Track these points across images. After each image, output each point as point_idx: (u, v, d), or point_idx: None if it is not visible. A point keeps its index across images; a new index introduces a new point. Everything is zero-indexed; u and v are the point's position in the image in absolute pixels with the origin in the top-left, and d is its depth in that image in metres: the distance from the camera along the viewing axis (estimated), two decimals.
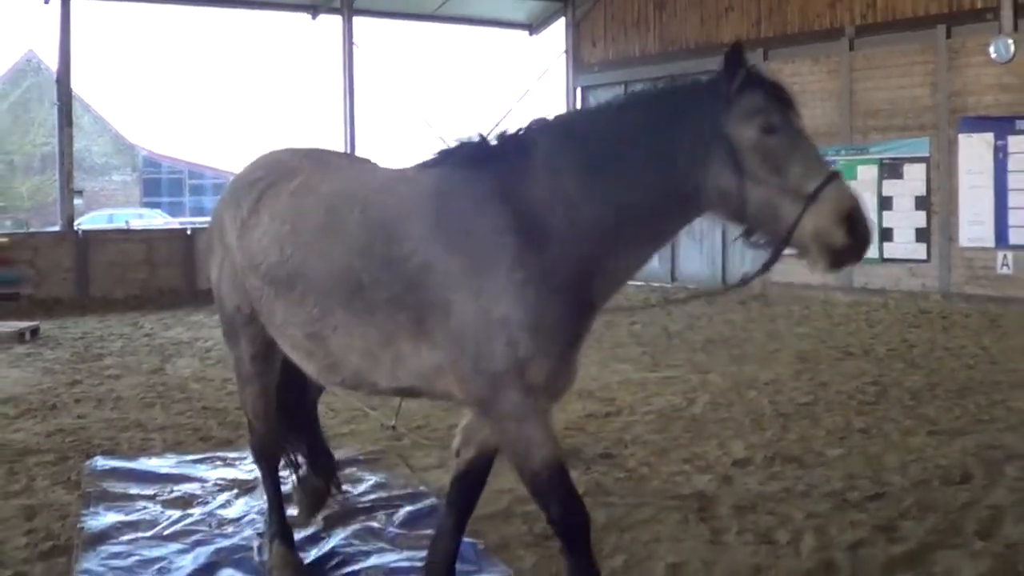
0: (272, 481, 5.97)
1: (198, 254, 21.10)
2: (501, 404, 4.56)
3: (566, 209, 4.54)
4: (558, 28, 27.26)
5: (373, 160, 5.84)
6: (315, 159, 5.65)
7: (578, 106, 26.70)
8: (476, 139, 4.90)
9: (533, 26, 27.69)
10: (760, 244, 4.47)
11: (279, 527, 5.85)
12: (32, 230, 29.40)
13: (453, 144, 4.97)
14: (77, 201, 22.46)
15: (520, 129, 4.86)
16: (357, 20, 24.85)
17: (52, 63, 24.51)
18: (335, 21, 24.74)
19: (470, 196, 4.67)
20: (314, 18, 24.55)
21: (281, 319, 5.22)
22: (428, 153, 5.09)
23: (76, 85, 21.90)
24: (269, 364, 5.80)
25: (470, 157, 4.82)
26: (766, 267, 4.59)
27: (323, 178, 5.30)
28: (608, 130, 4.63)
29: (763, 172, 4.30)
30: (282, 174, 5.48)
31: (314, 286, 4.98)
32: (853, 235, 4.20)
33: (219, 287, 5.81)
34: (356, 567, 5.95)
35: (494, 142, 4.87)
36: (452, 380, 4.70)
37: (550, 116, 4.92)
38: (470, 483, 5.30)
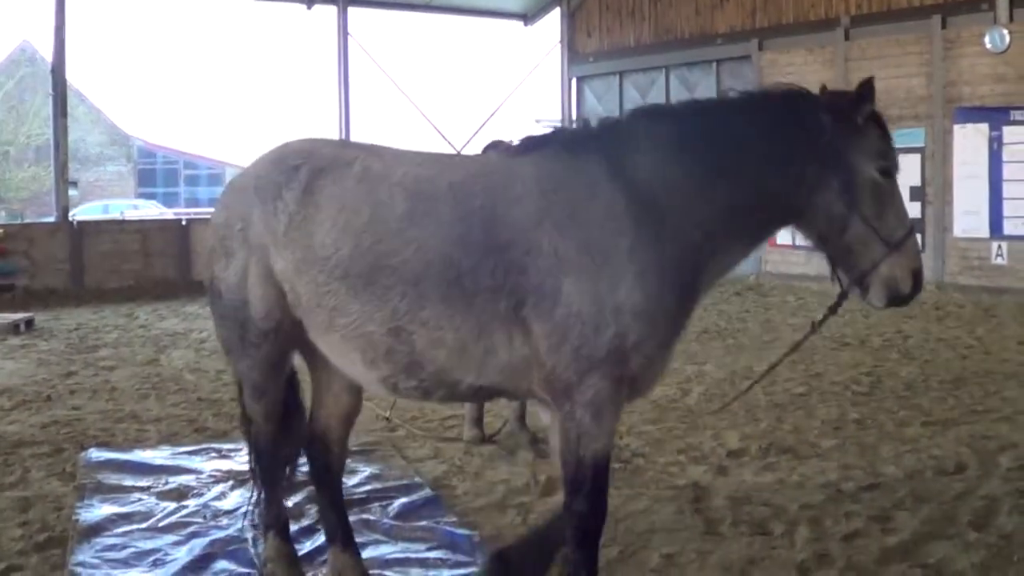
0: (272, 475, 5.70)
1: (193, 245, 21.09)
2: (586, 392, 4.56)
3: (680, 200, 4.64)
4: (553, 18, 27.26)
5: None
6: (359, 147, 5.34)
7: (573, 96, 26.74)
8: (577, 125, 4.94)
9: (528, 16, 27.65)
10: (836, 272, 4.89)
11: (276, 519, 5.71)
12: (27, 221, 29.40)
13: (543, 131, 5.01)
14: (72, 192, 22.37)
15: (622, 117, 4.96)
16: (352, 10, 24.81)
17: (47, 53, 24.40)
18: (330, 11, 24.70)
19: (583, 180, 4.67)
20: (309, 8, 24.47)
21: (355, 317, 4.83)
22: (515, 140, 5.12)
23: (71, 75, 21.89)
24: (284, 372, 5.43)
25: (574, 143, 4.84)
26: (834, 309, 5.09)
27: (388, 165, 5.02)
28: (726, 129, 4.77)
29: (869, 210, 4.66)
30: (329, 161, 5.08)
31: (403, 278, 4.71)
32: (915, 287, 4.73)
33: (239, 291, 5.18)
34: None
35: (596, 129, 4.92)
36: (538, 374, 4.65)
37: (655, 106, 5.11)
38: None
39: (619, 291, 4.49)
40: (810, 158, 4.65)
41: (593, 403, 4.57)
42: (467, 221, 4.67)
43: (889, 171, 4.72)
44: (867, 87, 4.71)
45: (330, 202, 4.94)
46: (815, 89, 4.94)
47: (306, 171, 5.06)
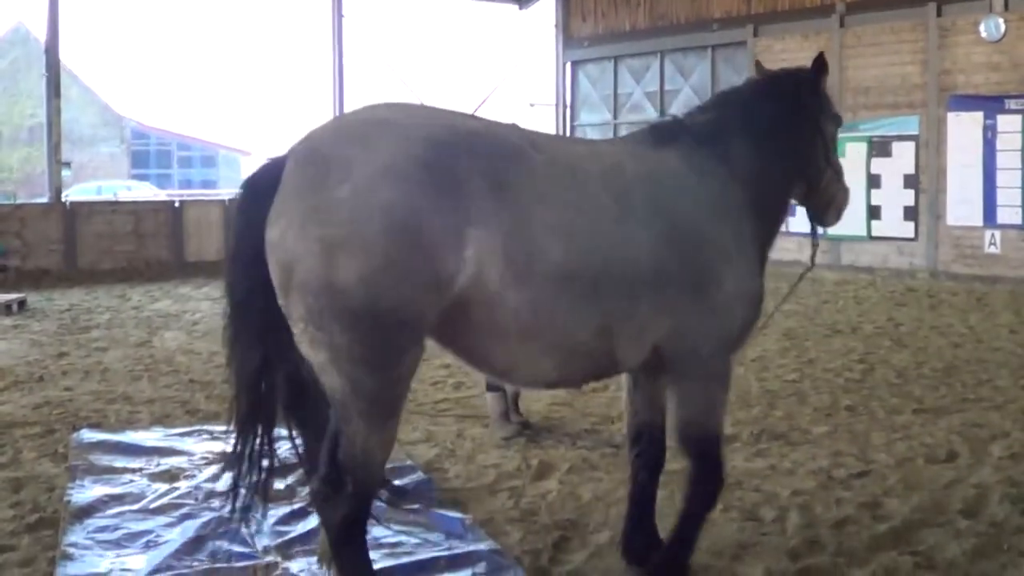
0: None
1: (186, 226, 21.13)
2: (712, 368, 5.01)
3: (762, 184, 5.23)
4: (548, 2, 27.15)
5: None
6: (478, 120, 4.83)
7: (567, 80, 26.67)
8: (700, 117, 5.37)
9: (522, 0, 27.55)
10: (810, 211, 5.75)
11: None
12: (20, 201, 29.25)
13: (670, 120, 5.41)
14: (65, 173, 22.33)
15: (712, 107, 5.49)
16: None
17: (41, 34, 24.32)
18: None
19: (719, 174, 5.12)
20: None
21: (570, 325, 4.50)
22: (642, 128, 5.43)
23: (65, 56, 21.83)
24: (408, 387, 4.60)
25: (701, 137, 5.19)
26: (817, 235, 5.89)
27: (572, 155, 4.78)
28: (771, 113, 5.37)
29: (835, 158, 5.63)
30: (493, 145, 4.49)
31: (622, 281, 4.58)
32: (847, 203, 5.74)
33: (393, 294, 4.19)
34: None
35: (705, 121, 5.32)
36: (673, 351, 4.90)
37: (728, 95, 5.65)
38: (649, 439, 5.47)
39: (748, 278, 5.02)
40: (807, 128, 5.46)
41: (721, 375, 5.07)
42: (661, 216, 4.82)
43: (839, 126, 5.67)
44: (820, 61, 5.52)
45: (540, 201, 4.44)
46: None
47: (484, 159, 4.39)
